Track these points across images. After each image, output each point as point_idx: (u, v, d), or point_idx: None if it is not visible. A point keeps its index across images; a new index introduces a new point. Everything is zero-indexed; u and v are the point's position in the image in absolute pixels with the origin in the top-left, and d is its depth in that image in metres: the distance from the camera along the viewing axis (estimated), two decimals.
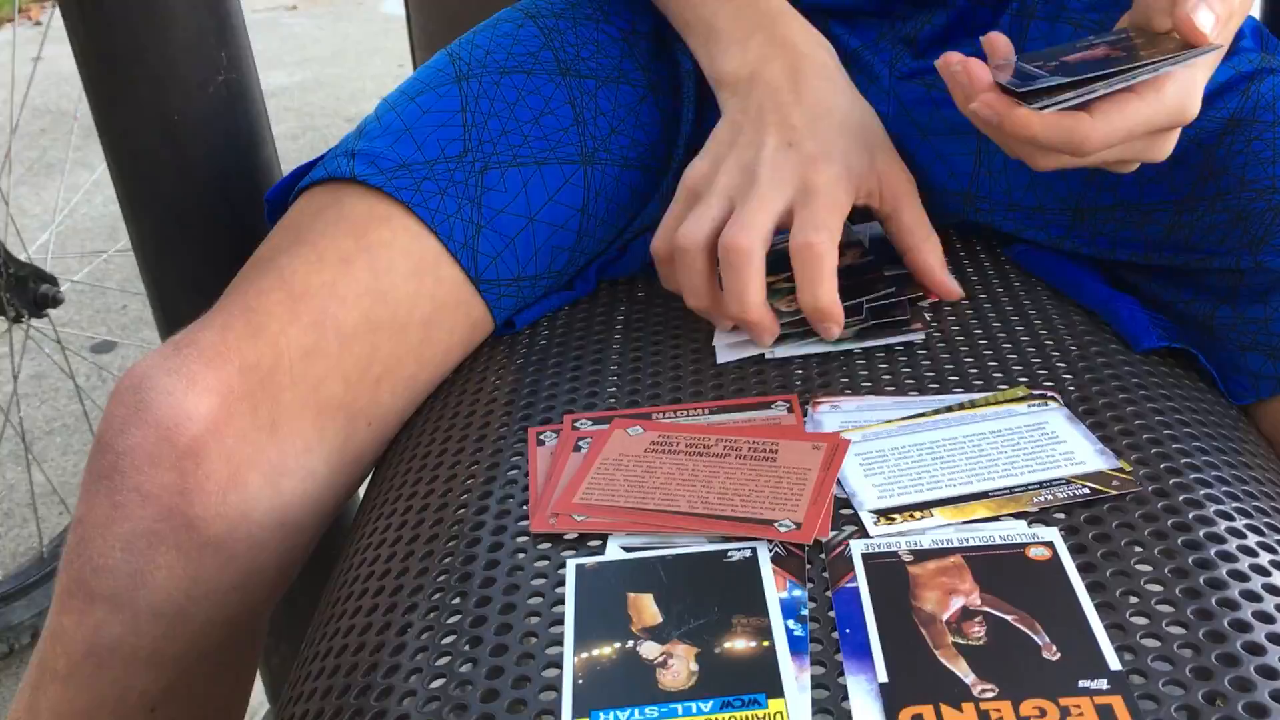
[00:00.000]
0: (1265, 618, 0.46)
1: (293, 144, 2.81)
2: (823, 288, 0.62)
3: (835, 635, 0.47)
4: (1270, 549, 0.50)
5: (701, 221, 0.64)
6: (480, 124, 0.71)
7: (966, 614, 0.47)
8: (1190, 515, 0.52)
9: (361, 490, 0.73)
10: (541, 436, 0.62)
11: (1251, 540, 0.50)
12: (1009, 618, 0.47)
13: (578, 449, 0.60)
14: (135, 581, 0.62)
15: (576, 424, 0.62)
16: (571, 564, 0.52)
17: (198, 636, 0.65)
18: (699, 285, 0.65)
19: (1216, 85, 0.67)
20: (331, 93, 3.15)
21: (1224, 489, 0.54)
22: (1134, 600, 0.47)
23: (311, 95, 3.15)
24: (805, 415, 0.61)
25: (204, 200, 0.85)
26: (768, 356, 0.66)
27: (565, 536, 0.54)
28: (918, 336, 0.66)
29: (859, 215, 0.71)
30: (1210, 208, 0.66)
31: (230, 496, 0.62)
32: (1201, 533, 0.50)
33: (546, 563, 0.52)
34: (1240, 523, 0.51)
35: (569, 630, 0.48)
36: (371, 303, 0.66)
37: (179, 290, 0.89)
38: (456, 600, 0.51)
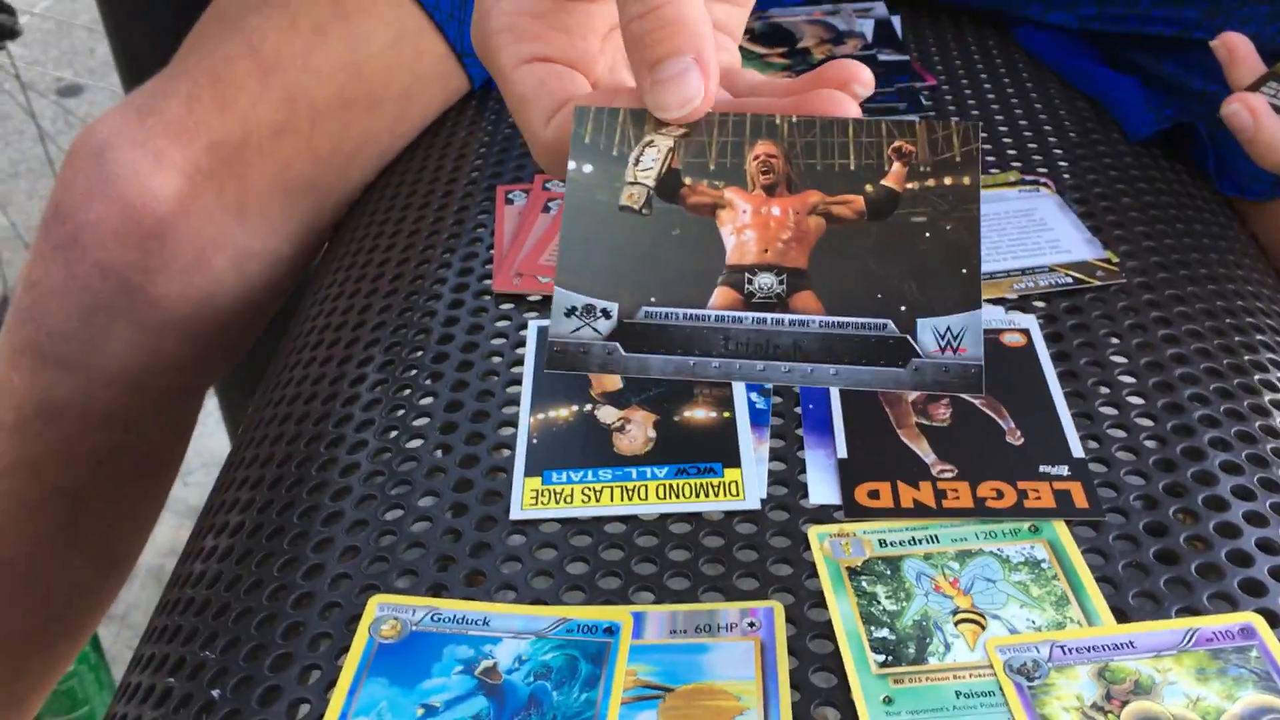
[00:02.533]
0: (1235, 415, 0.45)
1: None
2: None
3: (798, 410, 0.46)
4: (1250, 348, 0.49)
5: None
6: None
7: (933, 396, 0.46)
8: (1174, 310, 0.50)
9: None
10: (510, 195, 0.59)
11: (1234, 339, 0.49)
12: (976, 401, 0.46)
13: (547, 209, 0.57)
14: (91, 350, 0.60)
15: (547, 184, 0.60)
16: (533, 324, 0.50)
17: (151, 403, 0.64)
18: None
19: None
20: None
21: (1210, 286, 0.52)
22: (1105, 390, 0.46)
23: None
24: None
25: None
26: None
27: (529, 297, 0.52)
28: (911, 118, 0.63)
29: None
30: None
31: (195, 278, 0.59)
32: (1183, 328, 0.49)
33: (508, 322, 0.51)
34: (1224, 320, 0.50)
35: (526, 390, 0.47)
36: (347, 78, 0.61)
37: (136, 25, 0.84)
38: (414, 354, 0.50)
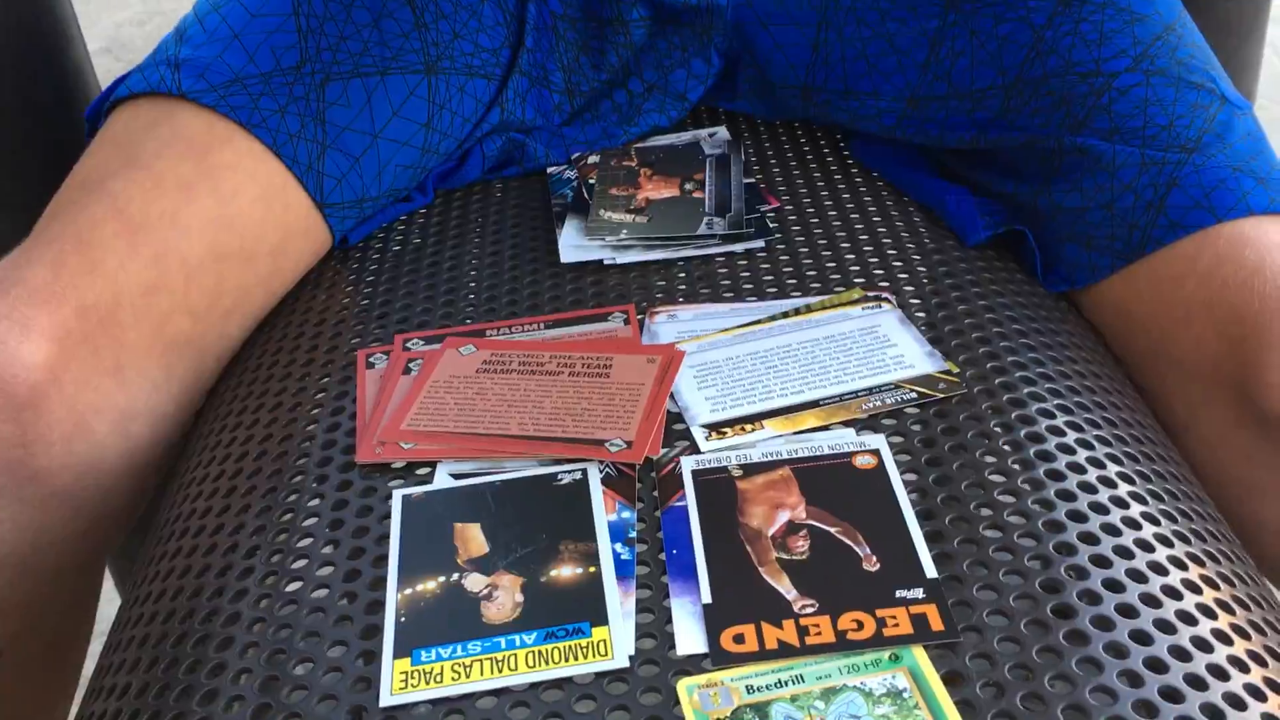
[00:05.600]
0: (1078, 516, 0.47)
1: (139, 30, 2.64)
2: None
3: (663, 556, 0.47)
4: (1087, 444, 0.51)
5: None
6: (316, 29, 0.66)
7: (792, 528, 0.47)
8: (1012, 415, 0.52)
9: None
10: (371, 359, 0.60)
11: (1071, 437, 0.51)
12: (832, 530, 0.47)
13: (408, 371, 0.58)
14: None
15: (408, 344, 0.60)
16: (398, 495, 0.51)
17: (44, 583, 0.62)
18: None
19: None
20: None
21: (1047, 385, 0.54)
22: (955, 505, 0.48)
23: None
24: (642, 327, 0.60)
25: (5, 109, 0.79)
26: (607, 262, 0.65)
27: (393, 465, 0.52)
28: (758, 244, 0.65)
29: None
30: (1036, 90, 0.65)
31: (76, 446, 0.58)
32: (1023, 433, 0.51)
33: (373, 495, 0.51)
34: (1061, 419, 0.52)
35: (393, 566, 0.47)
36: (217, 232, 0.61)
37: None
38: (279, 538, 0.50)
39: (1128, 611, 0.43)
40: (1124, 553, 0.45)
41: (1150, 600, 0.43)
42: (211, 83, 0.63)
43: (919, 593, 0.44)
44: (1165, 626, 0.42)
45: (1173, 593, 0.44)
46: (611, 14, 0.75)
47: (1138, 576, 0.44)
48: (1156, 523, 0.48)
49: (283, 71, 0.64)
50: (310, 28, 0.66)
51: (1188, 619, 0.43)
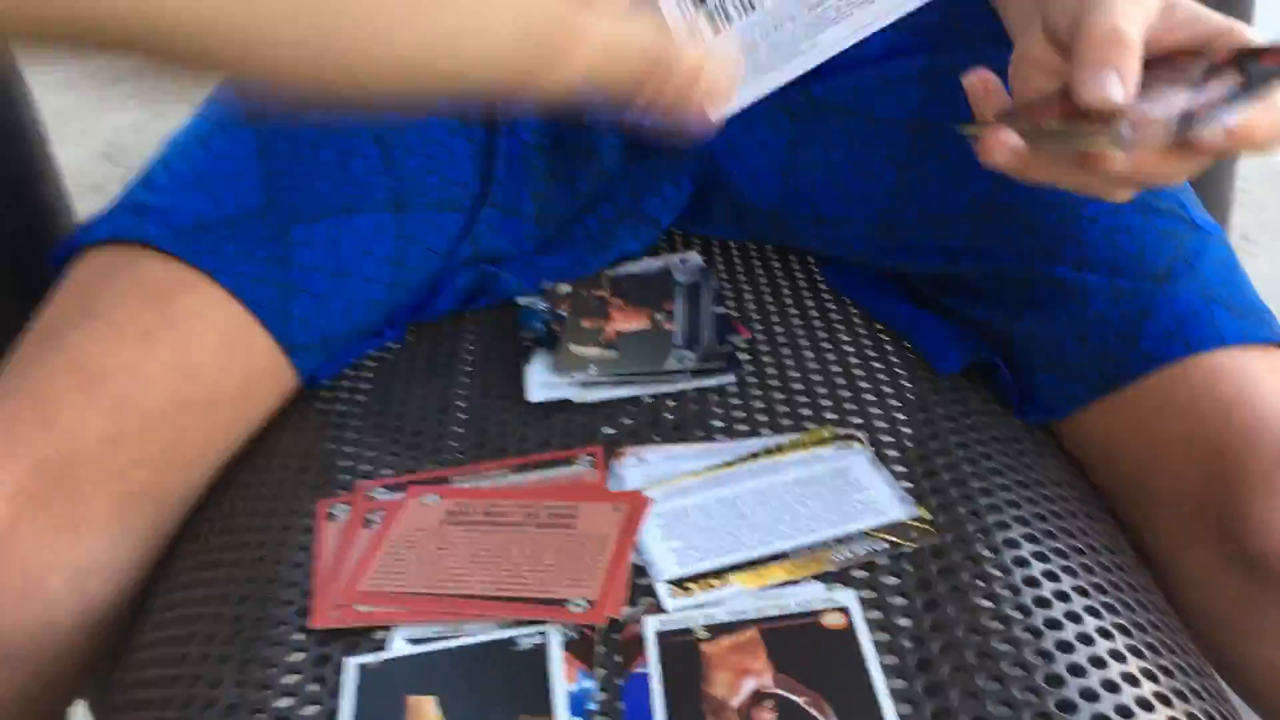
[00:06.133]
0: (1056, 681, 0.45)
1: (137, 136, 2.67)
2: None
3: None
4: (1063, 596, 0.49)
5: None
6: (282, 170, 0.65)
7: (758, 698, 0.45)
8: (987, 567, 0.51)
9: None
10: (333, 510, 0.58)
11: (1048, 588, 0.50)
12: (800, 700, 0.45)
13: (368, 524, 0.57)
14: None
15: (370, 493, 0.59)
16: (351, 663, 0.49)
17: None
18: None
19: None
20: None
21: (1022, 531, 0.53)
22: (927, 670, 0.46)
23: (157, 80, 3.00)
24: (609, 469, 0.59)
25: None
26: (576, 400, 0.64)
27: (351, 630, 0.51)
28: (729, 379, 0.64)
29: None
30: (1005, 218, 0.65)
31: (30, 605, 0.57)
32: (998, 588, 0.50)
33: (326, 663, 0.49)
34: (1037, 568, 0.51)
35: None
36: (178, 381, 0.60)
37: None
38: (227, 717, 0.48)
39: None
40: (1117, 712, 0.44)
41: None
42: (174, 228, 0.63)
43: None
44: None
45: None
46: (583, 142, 0.75)
47: None
48: (1154, 679, 0.46)
49: (247, 215, 0.64)
50: (276, 169, 0.66)
51: None
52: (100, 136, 2.66)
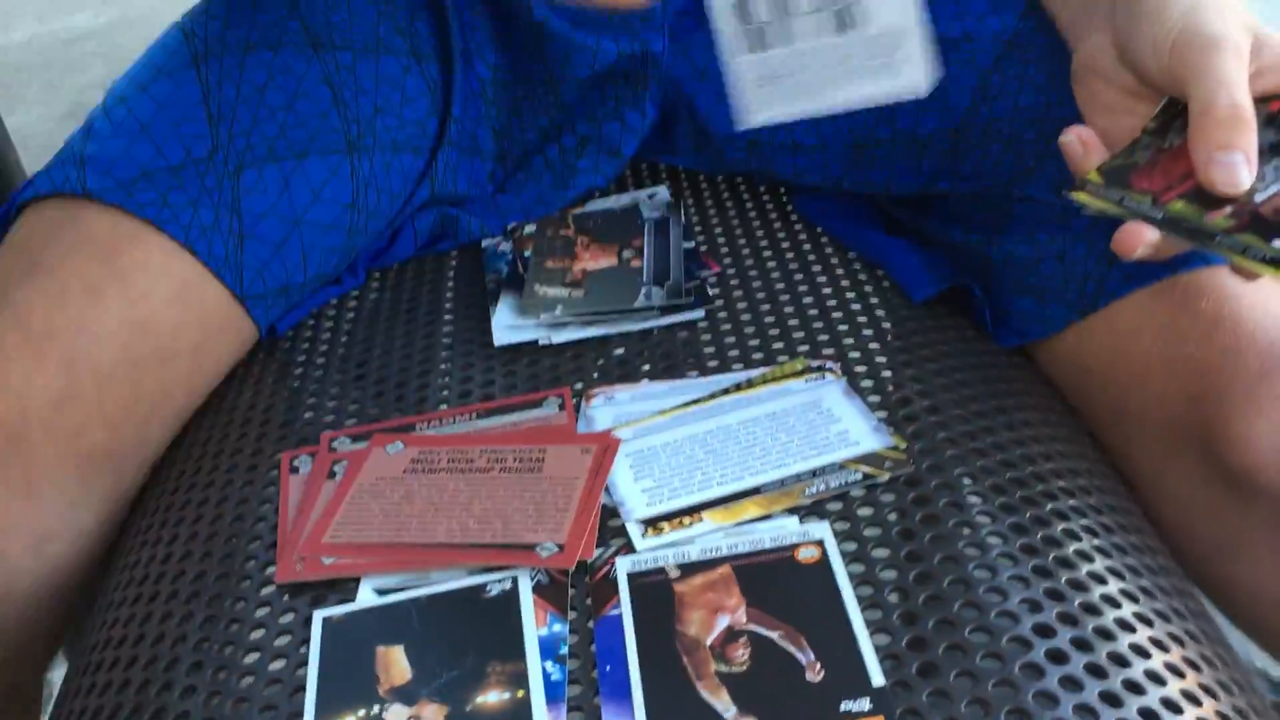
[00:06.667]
0: (1033, 606, 0.44)
1: (101, 94, 2.62)
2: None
3: (595, 674, 0.44)
4: (1043, 521, 0.48)
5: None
6: (227, 115, 0.63)
7: (731, 635, 0.44)
8: (965, 493, 0.50)
9: None
10: (295, 462, 0.57)
11: (1026, 515, 0.49)
12: (774, 635, 0.44)
13: (332, 475, 0.55)
14: None
15: (333, 444, 0.58)
16: (318, 616, 0.48)
17: None
18: None
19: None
20: (143, 33, 2.95)
21: (999, 457, 0.52)
22: (904, 600, 0.45)
23: (121, 37, 2.94)
24: (577, 411, 0.57)
25: None
26: (541, 343, 0.62)
27: (315, 581, 0.50)
28: (698, 314, 0.62)
29: None
30: (984, 135, 0.63)
31: None
32: (975, 513, 0.49)
33: (292, 616, 0.48)
34: (1015, 495, 0.50)
35: (309, 700, 0.44)
36: (130, 336, 0.59)
37: None
38: (196, 673, 0.47)
39: (1110, 699, 0.40)
40: (1091, 644, 0.43)
41: (1132, 687, 0.41)
42: (118, 179, 0.61)
43: (865, 704, 0.41)
44: (1134, 687, 0.40)
45: (1155, 678, 0.41)
46: (542, 74, 0.73)
47: (1106, 670, 0.42)
48: (1134, 600, 0.45)
49: (194, 162, 0.62)
50: (221, 114, 0.63)
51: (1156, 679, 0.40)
52: (64, 96, 2.62)
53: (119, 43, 2.91)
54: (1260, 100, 0.48)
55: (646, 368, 0.60)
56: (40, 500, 0.56)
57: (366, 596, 0.49)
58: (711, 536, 0.49)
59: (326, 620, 0.48)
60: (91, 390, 0.57)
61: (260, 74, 0.64)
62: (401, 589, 0.49)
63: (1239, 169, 0.45)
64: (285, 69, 0.65)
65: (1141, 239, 0.46)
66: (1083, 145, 0.51)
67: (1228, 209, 0.46)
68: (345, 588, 0.49)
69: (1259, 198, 0.46)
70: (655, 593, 0.47)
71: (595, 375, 0.60)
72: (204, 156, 0.62)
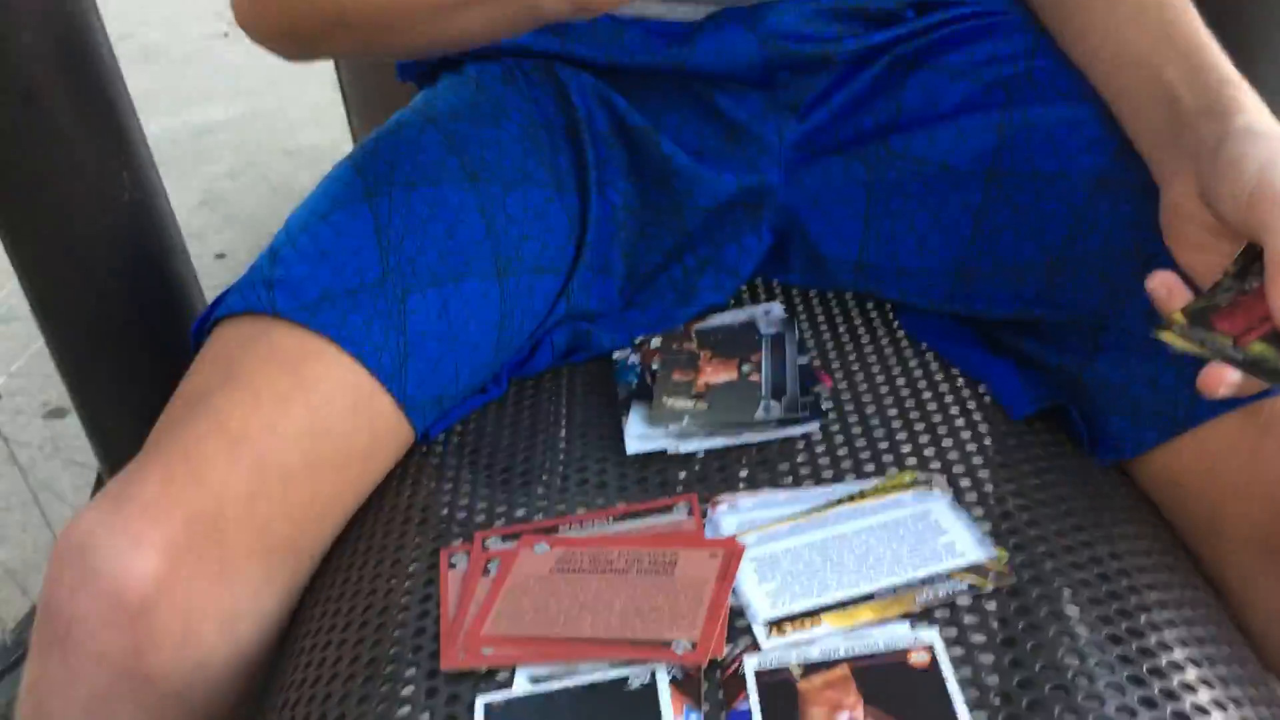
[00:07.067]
0: (1130, 712, 0.49)
1: (232, 184, 2.80)
2: None
3: None
4: (1138, 633, 0.53)
5: None
6: (396, 244, 0.71)
7: None
8: (1065, 605, 0.54)
9: None
10: (453, 559, 0.64)
11: (1121, 626, 0.53)
12: None
13: (487, 572, 0.62)
14: None
15: (486, 543, 0.64)
16: (480, 701, 0.54)
17: None
18: None
19: (1084, 138, 0.69)
20: (268, 124, 3.13)
21: (1096, 570, 0.56)
22: (1005, 702, 0.50)
23: (249, 129, 3.13)
24: (705, 516, 0.63)
25: (118, 319, 0.87)
26: (670, 451, 0.69)
27: (477, 671, 0.56)
28: (813, 427, 0.68)
29: None
30: (1078, 268, 0.68)
31: (186, 649, 0.63)
32: (1074, 624, 0.53)
33: (457, 703, 0.55)
34: (1111, 607, 0.54)
35: None
36: (312, 442, 0.66)
37: (106, 406, 0.91)
38: None
39: None
40: None
41: None
42: (303, 301, 0.69)
43: None
44: None
45: None
46: (668, 203, 0.80)
47: None
48: (1224, 709, 0.49)
49: (367, 287, 0.70)
50: (391, 244, 0.71)
51: None
52: (195, 186, 2.80)
53: (246, 135, 3.10)
54: None
55: (766, 476, 0.66)
56: (232, 586, 0.64)
57: (522, 684, 0.55)
58: (831, 639, 0.54)
59: (489, 706, 0.54)
60: (278, 489, 0.65)
61: (424, 208, 0.73)
62: (551, 678, 0.55)
63: None
64: (444, 201, 0.73)
65: (1223, 380, 0.51)
66: (1167, 289, 0.56)
67: None
68: (502, 676, 0.56)
69: None
70: (780, 690, 0.52)
71: (720, 483, 0.66)
72: (376, 281, 0.70)
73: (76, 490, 1.74)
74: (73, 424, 2.01)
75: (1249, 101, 0.59)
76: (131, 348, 0.88)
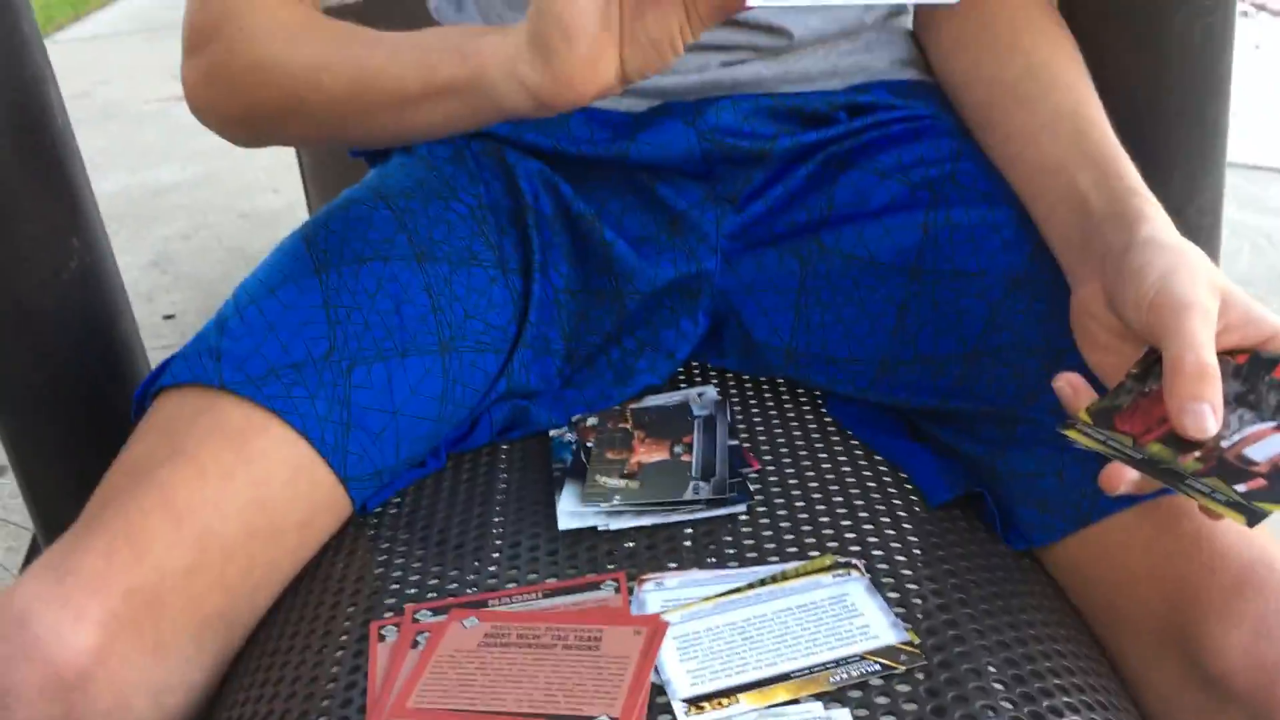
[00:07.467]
0: None
1: (184, 244, 2.80)
2: None
3: None
4: (1039, 718, 0.55)
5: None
6: (343, 319, 0.73)
7: None
8: (970, 687, 0.56)
9: None
10: (383, 631, 0.65)
11: (1024, 710, 0.55)
12: None
13: (415, 644, 0.63)
14: None
15: (416, 615, 0.66)
16: None
17: None
18: None
19: (1001, 239, 0.73)
20: (224, 186, 3.15)
21: (1003, 655, 0.59)
22: None
23: (203, 190, 3.14)
24: (631, 594, 0.65)
25: (60, 382, 0.88)
26: (600, 529, 0.71)
27: None
28: (740, 508, 0.71)
29: None
30: (993, 362, 0.72)
31: None
32: (978, 704, 0.55)
33: None
34: (1015, 691, 0.56)
35: None
36: (252, 514, 0.68)
37: (43, 468, 0.91)
38: None
39: None
40: None
41: None
42: (250, 374, 0.70)
43: None
44: None
45: None
46: (609, 286, 0.83)
47: None
48: None
49: (314, 361, 0.71)
50: (338, 318, 0.73)
51: None
52: (149, 245, 2.80)
53: (201, 197, 3.11)
54: (1226, 354, 0.57)
55: (694, 555, 0.68)
56: (164, 658, 0.64)
57: None
58: (747, 717, 0.56)
59: None
60: (217, 561, 0.66)
61: (372, 282, 0.75)
62: None
63: (1206, 417, 0.53)
64: (393, 278, 0.75)
65: (1123, 478, 0.54)
66: (1072, 389, 0.59)
67: (1198, 452, 0.54)
68: None
69: (1226, 443, 0.54)
70: None
71: (648, 560, 0.68)
72: (322, 356, 0.71)
73: (9, 552, 1.72)
74: (8, 484, 1.98)
75: (1153, 212, 0.64)
76: (72, 410, 0.88)
